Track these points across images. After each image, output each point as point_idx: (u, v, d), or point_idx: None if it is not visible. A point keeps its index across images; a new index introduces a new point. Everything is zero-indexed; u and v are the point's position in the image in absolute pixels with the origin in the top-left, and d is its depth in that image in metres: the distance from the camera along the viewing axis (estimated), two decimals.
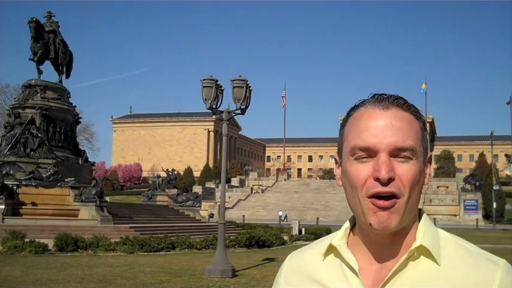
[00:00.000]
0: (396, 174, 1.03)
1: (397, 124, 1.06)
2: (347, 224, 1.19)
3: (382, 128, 1.06)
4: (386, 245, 1.10)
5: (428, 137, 1.14)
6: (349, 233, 1.19)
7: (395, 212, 1.04)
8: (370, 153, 1.05)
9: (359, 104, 1.13)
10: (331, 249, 1.17)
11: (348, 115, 1.14)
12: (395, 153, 1.04)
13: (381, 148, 1.04)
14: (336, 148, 1.19)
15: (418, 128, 1.09)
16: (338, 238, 1.17)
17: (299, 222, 31.04)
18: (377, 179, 1.03)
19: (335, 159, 1.19)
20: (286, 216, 54.82)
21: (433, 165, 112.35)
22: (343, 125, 1.15)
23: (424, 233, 1.09)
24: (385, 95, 1.12)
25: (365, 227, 1.08)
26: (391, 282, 1.06)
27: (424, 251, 1.07)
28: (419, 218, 1.14)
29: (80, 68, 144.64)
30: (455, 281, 1.03)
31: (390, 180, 1.03)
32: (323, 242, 1.21)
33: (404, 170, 1.04)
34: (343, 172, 1.12)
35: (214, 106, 13.75)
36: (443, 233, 1.13)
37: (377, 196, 1.04)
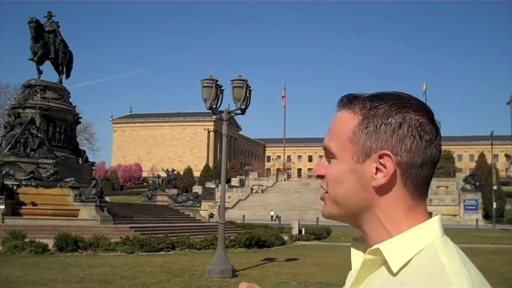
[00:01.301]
0: (326, 173, 1.09)
1: (332, 125, 1.09)
2: None
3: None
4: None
5: (372, 132, 1.02)
6: None
7: (325, 203, 1.10)
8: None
9: None
10: None
11: None
12: (326, 153, 1.09)
13: None
14: None
15: (351, 126, 1.04)
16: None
17: (299, 222, 31.03)
18: None
19: None
20: (277, 216, 54.70)
21: None
22: None
23: (397, 238, 1.01)
24: (344, 96, 1.11)
25: None
26: (354, 284, 1.04)
27: (381, 257, 1.00)
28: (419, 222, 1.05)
29: (80, 68, 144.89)
30: None
31: (320, 177, 1.10)
32: None
33: (327, 169, 1.08)
34: None
35: (214, 106, 13.76)
36: (435, 242, 1.00)
37: None
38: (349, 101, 1.07)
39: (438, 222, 1.03)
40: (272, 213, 56.94)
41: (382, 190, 1.02)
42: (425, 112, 1.03)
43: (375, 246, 1.00)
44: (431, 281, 0.92)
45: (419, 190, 1.02)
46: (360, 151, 1.03)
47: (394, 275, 0.96)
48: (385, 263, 0.99)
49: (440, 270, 0.93)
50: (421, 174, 1.01)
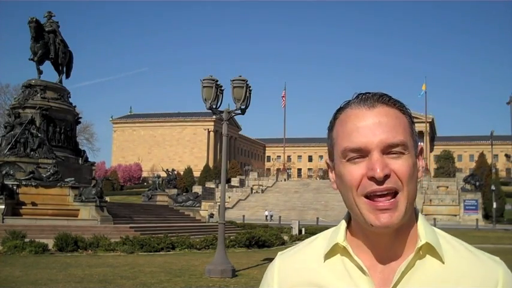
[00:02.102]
0: (391, 170, 1.04)
1: (385, 121, 1.06)
2: (344, 223, 1.17)
3: (370, 126, 1.06)
4: (388, 244, 1.09)
5: (416, 130, 1.14)
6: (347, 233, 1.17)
7: (397, 209, 1.04)
8: (362, 153, 1.05)
9: (344, 106, 1.12)
10: (337, 250, 1.13)
11: (335, 118, 1.13)
12: (387, 150, 1.05)
13: (372, 147, 1.04)
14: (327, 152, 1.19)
15: (406, 123, 1.10)
16: (342, 238, 1.13)
17: (299, 222, 31.05)
18: (372, 178, 1.03)
19: (327, 164, 1.18)
20: (272, 216, 55.16)
21: (433, 165, 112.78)
22: (330, 128, 1.14)
23: (425, 230, 1.10)
24: (369, 93, 1.12)
25: (366, 226, 1.07)
26: (402, 283, 1.05)
27: (428, 249, 1.07)
28: (416, 216, 1.14)
29: (80, 68, 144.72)
30: (461, 279, 1.04)
31: (386, 177, 1.03)
32: (318, 242, 1.18)
33: (399, 165, 1.04)
34: (337, 175, 1.11)
35: (214, 106, 13.75)
36: (439, 231, 1.14)
37: (375, 195, 1.04)
38: (383, 99, 1.11)
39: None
40: (266, 213, 57.46)
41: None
42: None
43: (424, 241, 1.07)
44: (483, 264, 1.07)
45: None
46: (415, 146, 1.11)
47: (444, 262, 1.06)
48: (431, 252, 1.07)
49: (478, 253, 1.09)
50: None
